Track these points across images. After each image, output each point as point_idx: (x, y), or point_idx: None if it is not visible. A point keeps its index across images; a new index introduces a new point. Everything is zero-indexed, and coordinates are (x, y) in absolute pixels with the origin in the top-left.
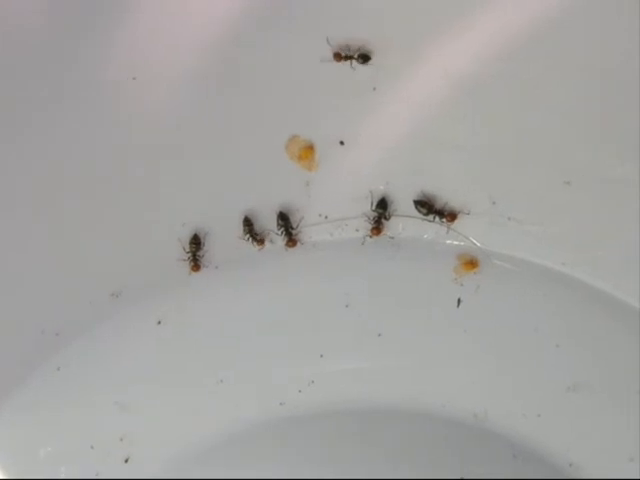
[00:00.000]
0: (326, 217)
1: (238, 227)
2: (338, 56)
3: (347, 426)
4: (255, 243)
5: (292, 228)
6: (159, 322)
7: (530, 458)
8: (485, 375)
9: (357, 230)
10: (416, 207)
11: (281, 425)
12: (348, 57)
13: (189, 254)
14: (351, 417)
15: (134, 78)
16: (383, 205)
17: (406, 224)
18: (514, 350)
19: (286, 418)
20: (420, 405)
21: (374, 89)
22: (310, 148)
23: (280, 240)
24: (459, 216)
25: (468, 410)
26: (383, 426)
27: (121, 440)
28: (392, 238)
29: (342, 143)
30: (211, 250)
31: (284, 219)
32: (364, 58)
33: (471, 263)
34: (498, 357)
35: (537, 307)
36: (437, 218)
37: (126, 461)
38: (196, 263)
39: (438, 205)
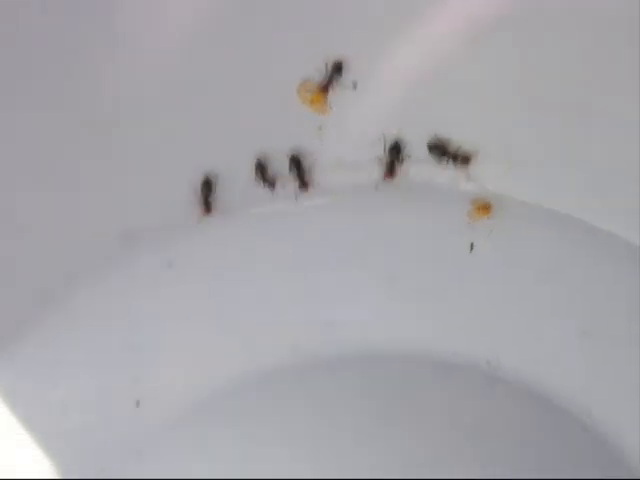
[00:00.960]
0: (338, 161)
1: (250, 171)
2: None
3: (361, 371)
4: (267, 187)
5: (304, 172)
6: (170, 265)
7: (543, 405)
8: (498, 321)
9: (370, 174)
10: (430, 151)
11: (296, 369)
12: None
13: (201, 197)
14: (364, 362)
15: None
16: (396, 149)
17: (419, 168)
18: (527, 295)
19: (301, 362)
20: (432, 351)
21: (387, 32)
22: (322, 92)
23: (292, 184)
24: (473, 160)
25: (480, 357)
26: (396, 371)
27: (133, 383)
28: (405, 182)
29: (355, 86)
30: (223, 194)
31: (296, 163)
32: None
33: (485, 208)
34: (511, 302)
35: (550, 252)
36: (451, 162)
37: (138, 404)
38: (208, 207)
39: (452, 149)
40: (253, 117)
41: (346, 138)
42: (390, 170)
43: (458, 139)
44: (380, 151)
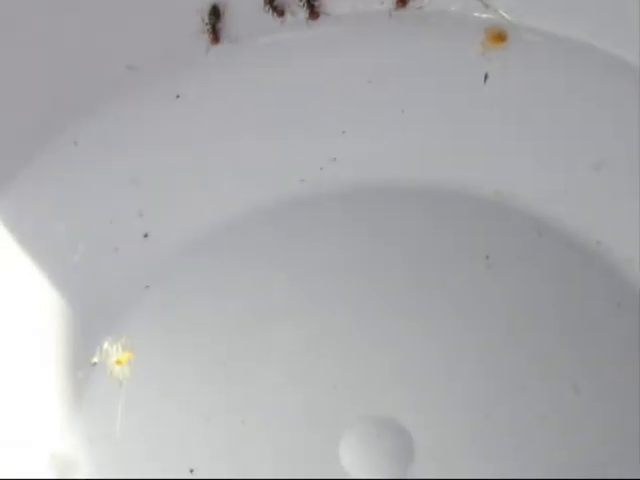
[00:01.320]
0: None
1: None
2: None
3: (369, 205)
4: (276, 14)
5: (314, 0)
6: (178, 96)
7: (556, 236)
8: (510, 152)
9: (382, 3)
10: None
11: (302, 203)
12: None
13: (208, 26)
14: (373, 196)
15: None
16: None
17: None
18: (540, 126)
19: (307, 196)
20: (442, 183)
21: None
22: None
23: (302, 13)
24: None
25: (492, 188)
26: (405, 204)
27: (140, 215)
28: (419, 10)
29: None
30: (231, 22)
31: None
32: None
33: (499, 36)
34: (524, 133)
35: (565, 83)
36: None
37: (145, 236)
38: (216, 35)
39: None
40: None
41: None
42: None
43: None
44: None
